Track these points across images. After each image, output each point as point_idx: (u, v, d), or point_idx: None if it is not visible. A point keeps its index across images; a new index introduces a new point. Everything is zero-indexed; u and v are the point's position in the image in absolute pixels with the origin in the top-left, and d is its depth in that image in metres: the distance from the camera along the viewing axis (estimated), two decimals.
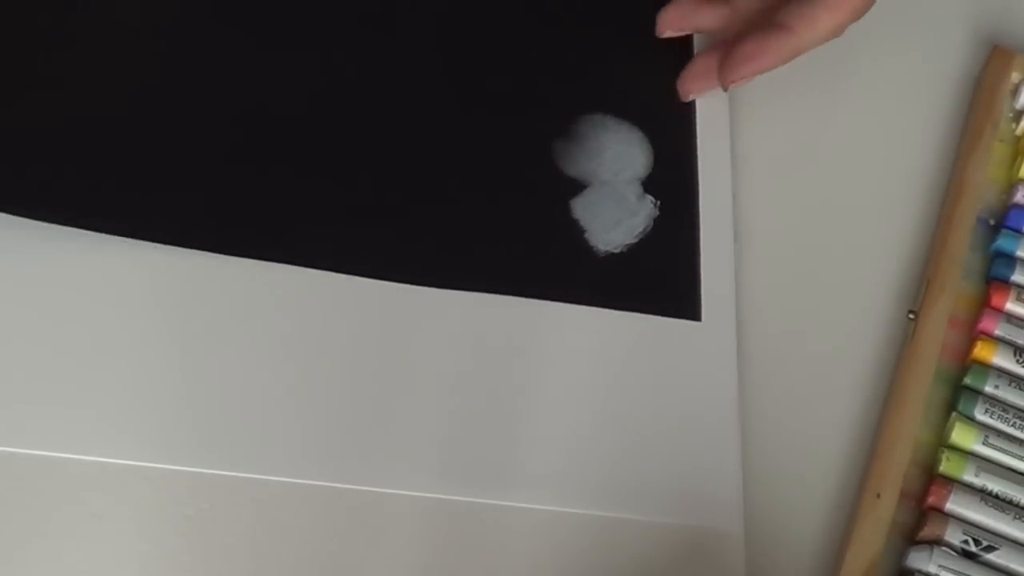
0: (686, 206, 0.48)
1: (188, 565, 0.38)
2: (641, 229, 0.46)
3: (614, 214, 0.46)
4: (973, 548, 0.42)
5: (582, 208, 0.46)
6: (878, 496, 0.43)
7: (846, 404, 0.46)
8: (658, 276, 0.46)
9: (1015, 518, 0.43)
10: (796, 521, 0.44)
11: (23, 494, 0.38)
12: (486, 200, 0.46)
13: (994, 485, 0.43)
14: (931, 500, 0.43)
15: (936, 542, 0.42)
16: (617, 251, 0.46)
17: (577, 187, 0.47)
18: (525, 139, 0.47)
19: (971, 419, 0.44)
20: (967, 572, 0.42)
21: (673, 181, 0.48)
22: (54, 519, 0.38)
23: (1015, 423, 0.44)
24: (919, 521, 0.43)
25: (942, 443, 0.44)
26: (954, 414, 0.44)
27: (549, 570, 0.41)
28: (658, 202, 0.47)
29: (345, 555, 0.40)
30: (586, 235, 0.46)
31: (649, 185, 0.47)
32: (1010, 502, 0.43)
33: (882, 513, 0.43)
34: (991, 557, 0.42)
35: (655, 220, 0.47)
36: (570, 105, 0.48)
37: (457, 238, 0.45)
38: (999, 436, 0.44)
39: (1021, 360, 0.45)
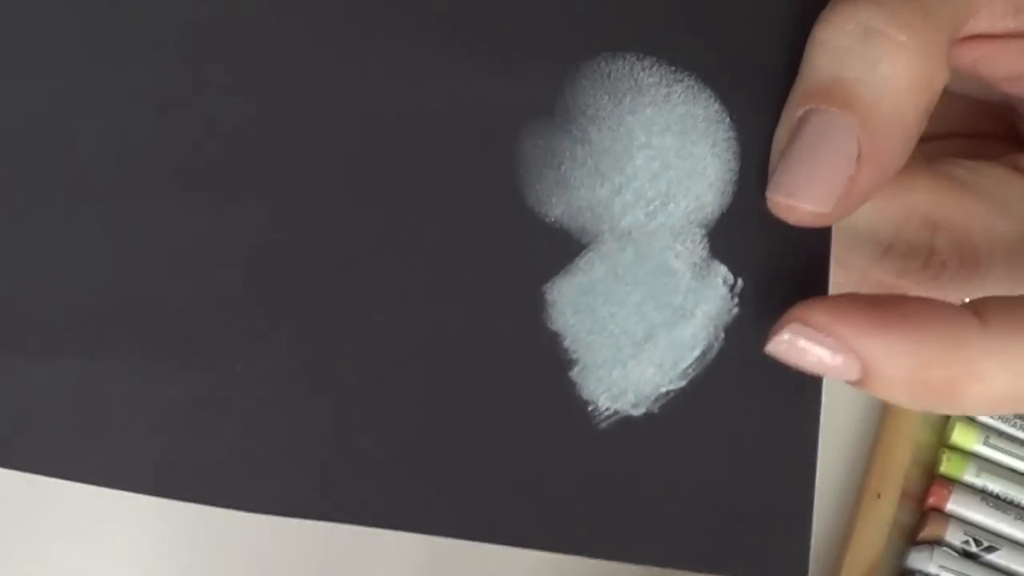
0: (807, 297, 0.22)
1: (188, 565, 0.38)
2: (699, 352, 0.22)
3: (639, 314, 0.22)
4: (974, 548, 0.42)
5: (571, 302, 0.22)
6: (878, 496, 0.43)
7: (846, 404, 0.46)
8: (726, 481, 0.23)
9: (1016, 518, 0.43)
10: None
11: (23, 494, 0.38)
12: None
13: (995, 485, 0.43)
14: (932, 500, 0.43)
15: (937, 542, 0.42)
16: (638, 413, 0.22)
17: (562, 248, 0.22)
18: (442, 122, 0.23)
19: (972, 419, 0.44)
20: (968, 572, 0.42)
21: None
22: (54, 519, 0.38)
23: (1016, 423, 0.44)
24: (920, 521, 0.43)
25: (943, 443, 0.44)
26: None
27: (550, 569, 0.41)
28: (737, 283, 0.23)
29: (345, 555, 0.39)
30: (573, 375, 0.22)
31: (724, 240, 0.23)
32: (1011, 502, 0.43)
33: (883, 513, 0.43)
34: (992, 557, 0.42)
35: (731, 328, 0.23)
36: (561, 36, 0.23)
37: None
38: (1000, 436, 0.44)
39: None
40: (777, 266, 0.23)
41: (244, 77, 0.24)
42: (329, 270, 0.23)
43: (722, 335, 0.23)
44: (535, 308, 0.23)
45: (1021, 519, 0.43)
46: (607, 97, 0.23)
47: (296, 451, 0.23)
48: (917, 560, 0.42)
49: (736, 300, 0.23)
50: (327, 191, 0.24)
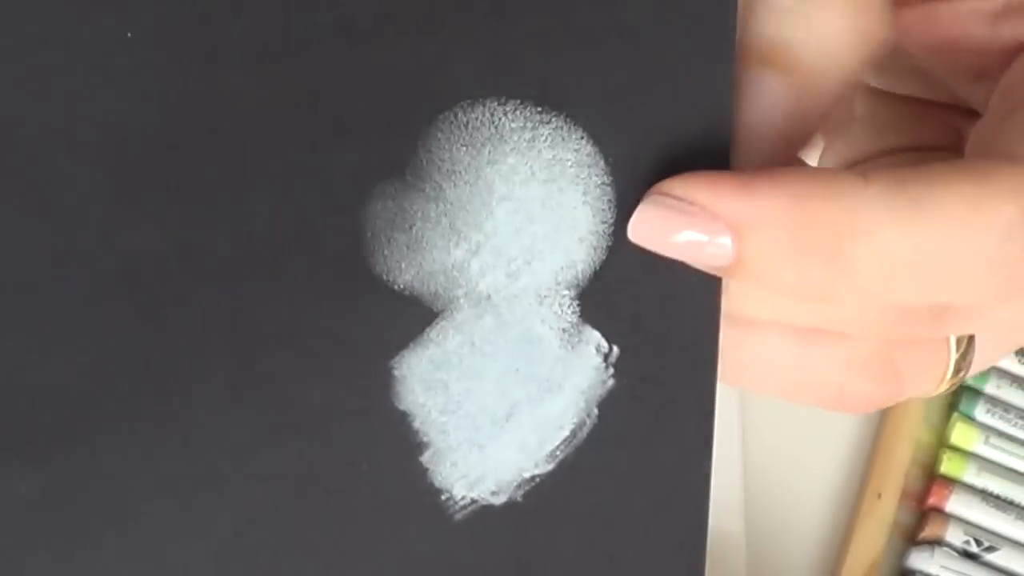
0: (692, 366, 0.20)
1: None
2: (568, 432, 0.20)
3: (499, 389, 0.20)
4: (974, 548, 0.42)
5: (421, 379, 0.20)
6: (879, 496, 0.43)
7: None
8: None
9: (1016, 518, 0.43)
10: (796, 521, 0.43)
11: None
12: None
13: (995, 486, 0.43)
14: (932, 500, 0.43)
15: (937, 542, 0.42)
16: (499, 502, 0.20)
17: (412, 318, 0.20)
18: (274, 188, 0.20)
19: (972, 419, 0.44)
20: (968, 572, 0.42)
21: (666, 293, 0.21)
22: None
23: (1016, 423, 0.44)
24: (920, 521, 0.43)
25: (943, 443, 0.44)
26: (955, 414, 0.44)
27: None
28: (612, 351, 0.20)
29: None
30: (424, 460, 0.20)
31: (597, 302, 0.20)
32: (1011, 502, 0.43)
33: (883, 513, 0.43)
34: (992, 557, 0.42)
35: (604, 403, 0.20)
36: (413, 89, 0.20)
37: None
38: (1000, 436, 0.44)
39: (1023, 360, 0.45)
40: (659, 331, 0.20)
41: (73, 172, 0.21)
42: (163, 357, 0.21)
43: (595, 411, 0.20)
44: (381, 386, 0.20)
45: (1021, 519, 0.43)
46: (465, 149, 0.20)
47: (131, 556, 0.21)
48: (917, 560, 0.42)
49: (611, 371, 0.20)
50: (158, 276, 0.21)
